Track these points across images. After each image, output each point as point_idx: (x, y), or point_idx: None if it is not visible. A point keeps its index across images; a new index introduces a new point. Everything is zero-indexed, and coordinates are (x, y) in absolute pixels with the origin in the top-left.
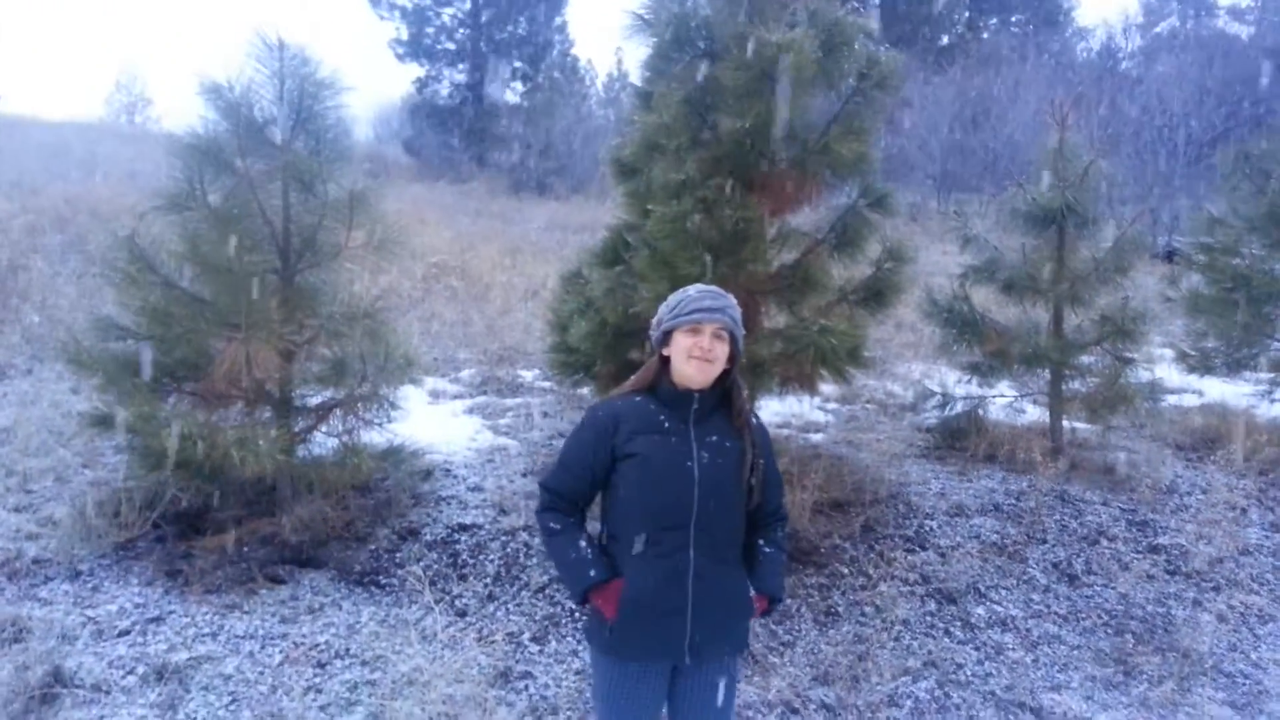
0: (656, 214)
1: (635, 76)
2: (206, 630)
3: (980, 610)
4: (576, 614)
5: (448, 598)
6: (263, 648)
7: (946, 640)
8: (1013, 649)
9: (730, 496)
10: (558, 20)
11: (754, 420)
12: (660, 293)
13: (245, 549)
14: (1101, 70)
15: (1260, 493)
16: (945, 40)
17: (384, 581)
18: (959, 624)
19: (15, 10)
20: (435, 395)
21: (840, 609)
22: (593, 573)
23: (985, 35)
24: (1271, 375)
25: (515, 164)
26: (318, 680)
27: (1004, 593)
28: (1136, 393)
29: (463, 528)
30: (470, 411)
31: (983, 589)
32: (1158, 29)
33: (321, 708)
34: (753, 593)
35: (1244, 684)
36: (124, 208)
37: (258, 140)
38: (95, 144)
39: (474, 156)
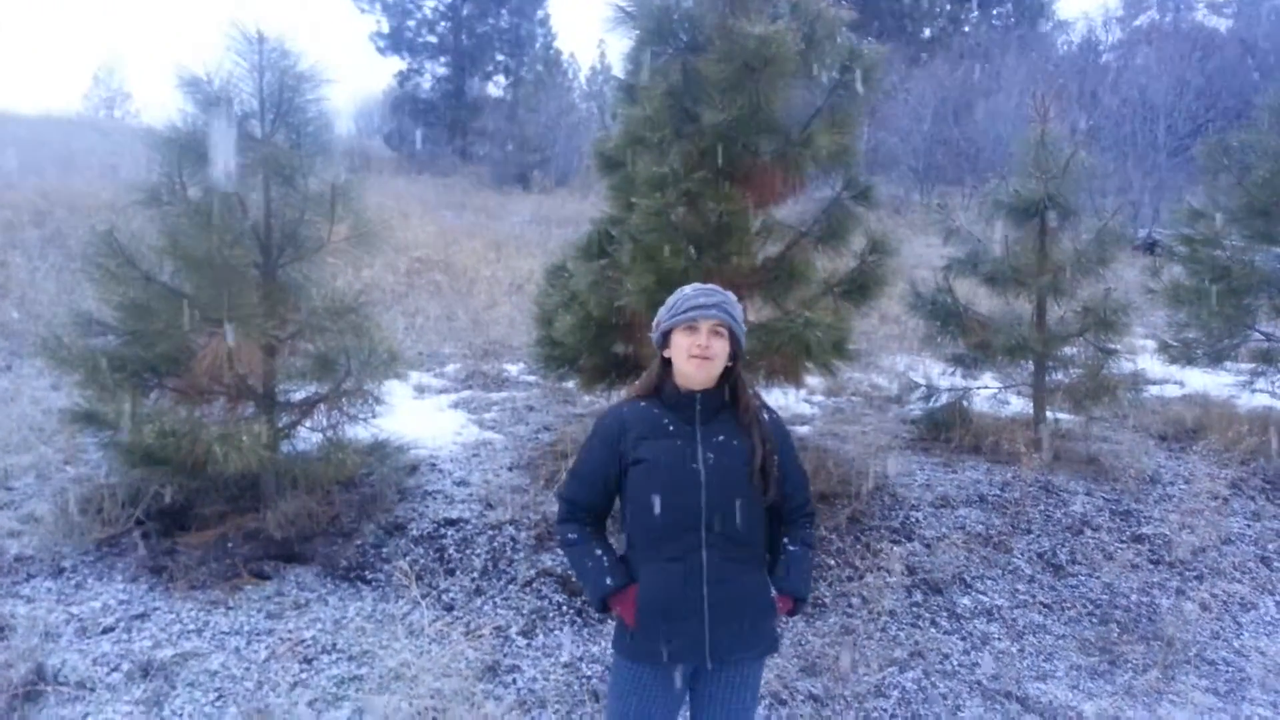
0: (640, 207)
1: (618, 69)
2: (191, 626)
3: (966, 600)
4: (564, 607)
5: (434, 592)
6: (248, 643)
7: (933, 630)
8: (998, 639)
9: (740, 495)
10: (540, 13)
11: (766, 416)
12: (644, 286)
13: (230, 545)
14: (1082, 63)
15: (1241, 482)
16: (927, 33)
17: (370, 576)
18: (945, 614)
19: None
20: (420, 390)
21: (827, 600)
22: (609, 580)
23: (967, 29)
24: (1252, 366)
25: (498, 158)
26: (304, 676)
27: (989, 583)
28: (1119, 383)
29: (449, 522)
30: (456, 406)
31: (968, 579)
32: (1137, 22)
33: (308, 703)
34: (774, 593)
35: (1227, 671)
36: (103, 202)
37: (238, 133)
38: (74, 138)
39: (457, 150)
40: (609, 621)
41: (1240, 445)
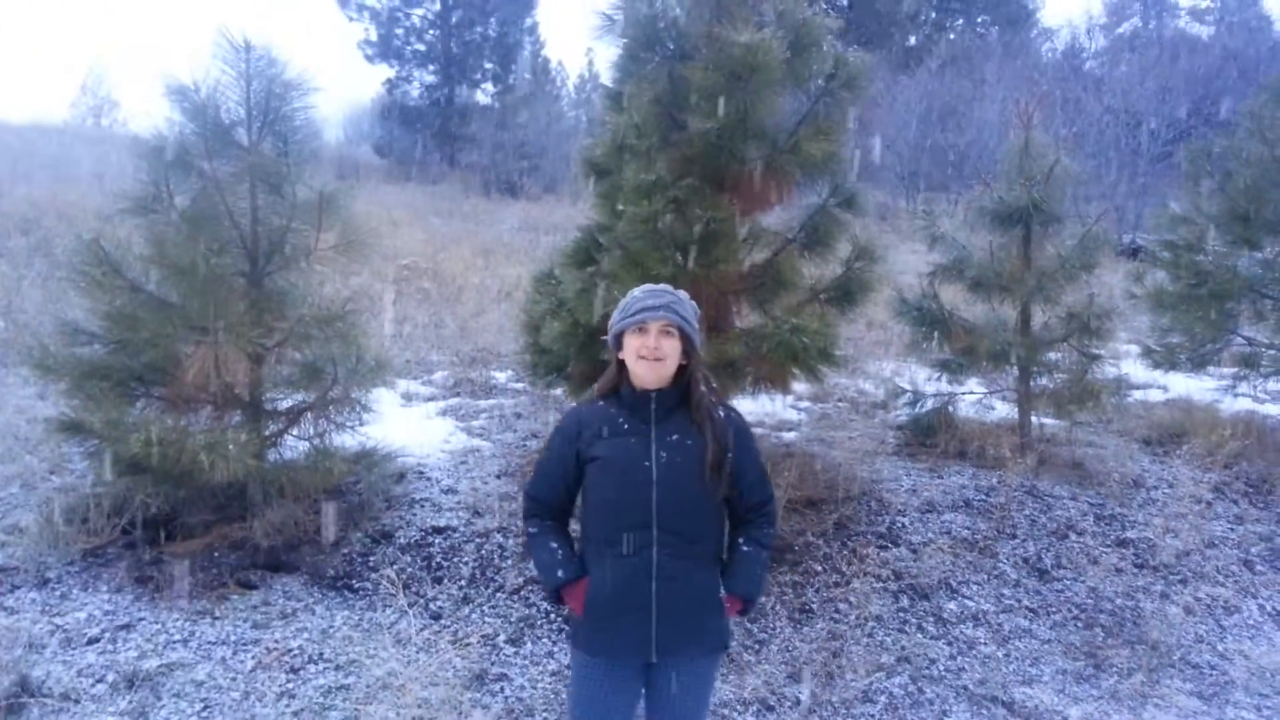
0: (628, 214)
1: (606, 77)
2: (177, 637)
3: (952, 605)
4: (553, 615)
5: (422, 600)
6: (235, 654)
7: (919, 636)
8: (984, 643)
9: (692, 494)
10: (528, 21)
11: (722, 414)
12: None
13: (216, 554)
14: (1066, 70)
15: (1225, 486)
16: (912, 41)
17: (357, 585)
18: (931, 619)
19: None
20: (408, 398)
21: (814, 606)
22: (560, 573)
23: (952, 36)
24: (1235, 370)
25: (487, 165)
26: (291, 686)
27: (975, 588)
28: (1103, 388)
29: (437, 530)
30: (443, 413)
31: (954, 584)
32: (1121, 29)
33: (295, 713)
34: (723, 592)
35: (1211, 675)
36: (90, 211)
37: (224, 142)
38: (61, 147)
39: (445, 158)
40: None
41: (1223, 449)
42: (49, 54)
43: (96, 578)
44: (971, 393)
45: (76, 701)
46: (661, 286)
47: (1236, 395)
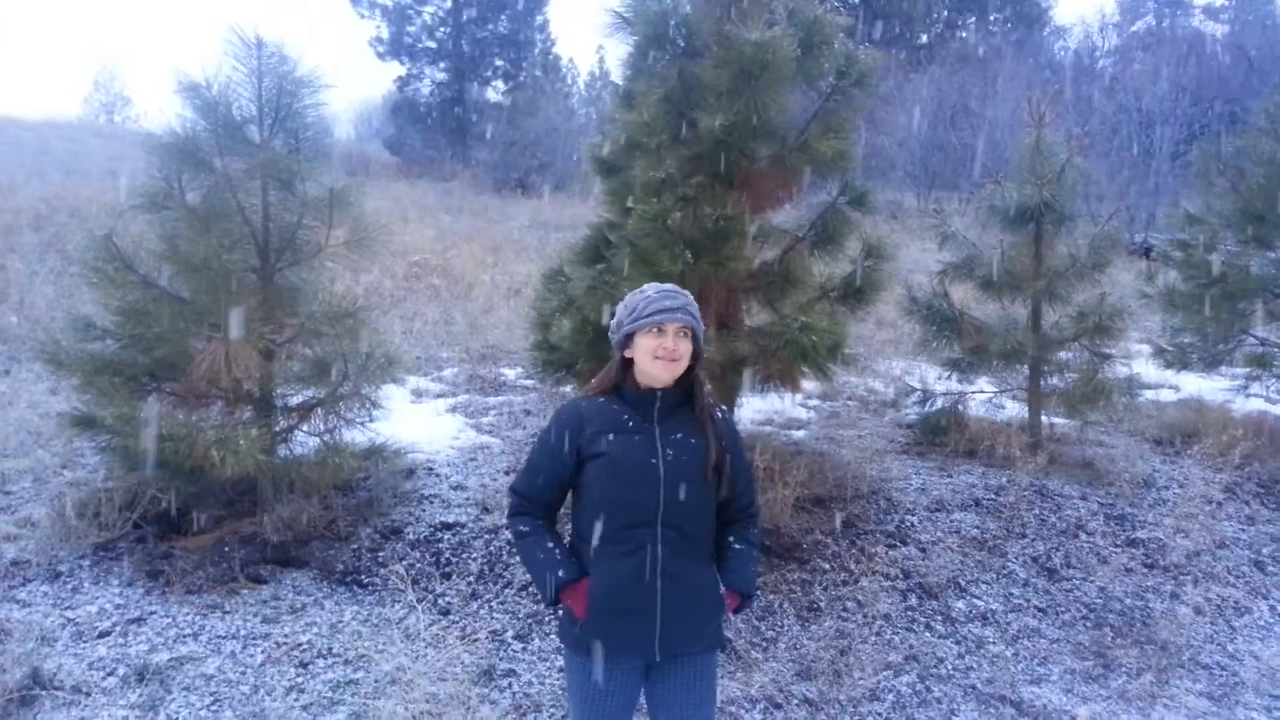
0: (637, 212)
1: (616, 75)
2: (188, 631)
3: (960, 604)
4: (559, 613)
5: (431, 596)
6: (244, 648)
7: (927, 634)
8: (993, 643)
9: (696, 493)
10: (539, 19)
11: (719, 415)
12: None
13: (226, 549)
14: (1079, 69)
15: (1236, 486)
16: (924, 39)
17: (366, 581)
18: (940, 618)
19: None
20: (418, 394)
21: (822, 604)
22: (561, 573)
23: (964, 34)
24: (1246, 370)
25: (497, 162)
26: (300, 680)
27: (984, 587)
28: (1114, 388)
29: (445, 526)
30: (453, 410)
31: (963, 583)
32: (1134, 28)
33: (304, 707)
34: (723, 589)
35: (1221, 675)
36: (102, 207)
37: (236, 139)
38: (74, 143)
39: (456, 155)
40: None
41: (1235, 450)
42: (62, 51)
43: (108, 572)
44: (982, 392)
45: (87, 694)
46: (671, 287)
47: (1248, 395)
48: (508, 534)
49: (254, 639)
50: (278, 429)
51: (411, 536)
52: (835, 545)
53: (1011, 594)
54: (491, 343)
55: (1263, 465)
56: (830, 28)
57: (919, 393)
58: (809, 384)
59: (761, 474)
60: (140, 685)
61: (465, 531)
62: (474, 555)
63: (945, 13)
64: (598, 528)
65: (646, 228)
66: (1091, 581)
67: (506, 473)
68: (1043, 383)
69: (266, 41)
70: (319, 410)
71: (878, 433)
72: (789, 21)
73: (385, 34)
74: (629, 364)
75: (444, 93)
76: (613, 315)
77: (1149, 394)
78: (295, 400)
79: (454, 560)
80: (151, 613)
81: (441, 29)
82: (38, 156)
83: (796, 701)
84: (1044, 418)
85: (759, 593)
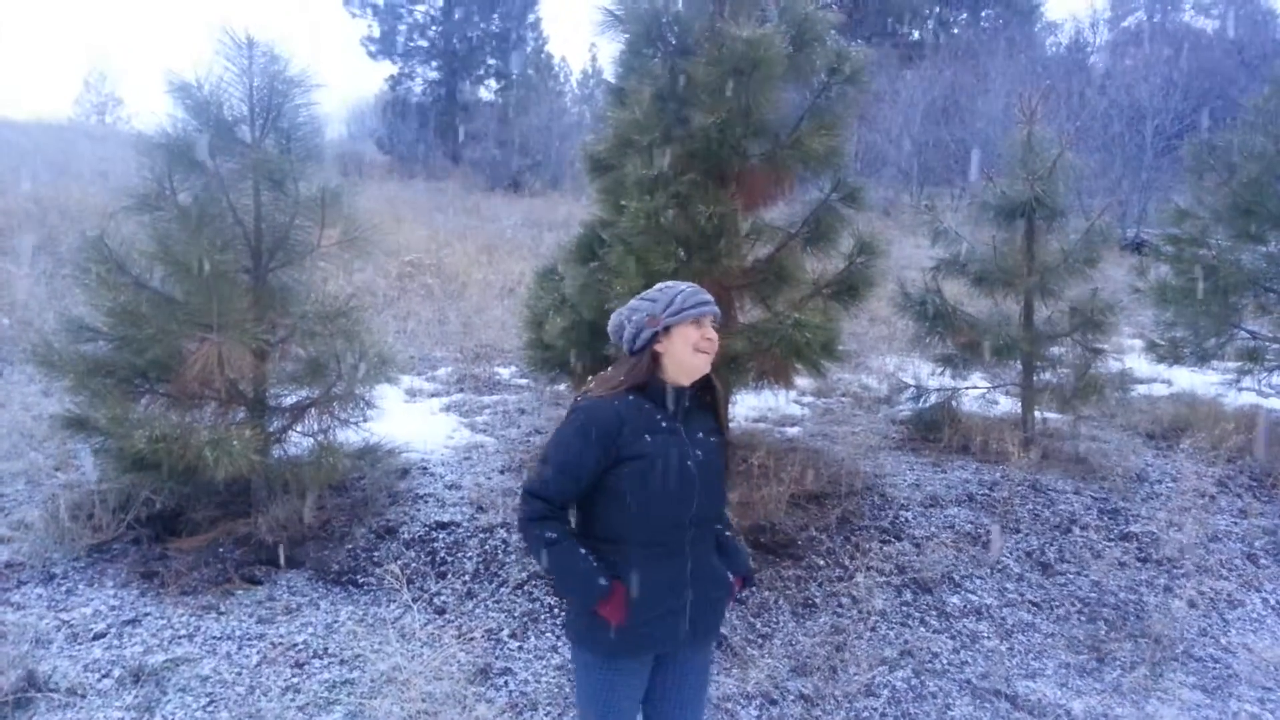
0: (630, 210)
1: (608, 73)
2: (183, 632)
3: (955, 599)
4: (556, 610)
5: (426, 595)
6: (240, 648)
7: (922, 630)
8: (987, 637)
9: (719, 489)
10: (530, 17)
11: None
12: (635, 288)
13: (221, 550)
14: (1070, 64)
15: (1228, 480)
16: (916, 35)
17: (362, 580)
18: (934, 613)
19: None
20: (412, 393)
21: (817, 600)
22: (602, 580)
23: (955, 30)
24: (1238, 364)
25: (490, 161)
26: (296, 680)
27: (978, 582)
28: (1106, 383)
29: (440, 525)
30: (447, 409)
31: (957, 578)
32: (1125, 23)
33: (300, 708)
34: (730, 576)
35: (1214, 668)
36: (94, 208)
37: (227, 139)
38: (65, 144)
39: (448, 154)
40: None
41: (1227, 443)
42: (52, 51)
43: (102, 573)
44: (975, 387)
45: (83, 696)
46: (678, 284)
47: (1240, 389)
48: (518, 538)
49: (249, 640)
50: (271, 429)
51: (406, 536)
52: (830, 541)
53: (1006, 589)
54: (485, 342)
55: (1255, 459)
56: (822, 24)
57: (912, 389)
58: (802, 380)
59: (756, 471)
60: (135, 687)
61: (460, 530)
62: (469, 554)
63: (936, 8)
64: (628, 529)
65: (639, 225)
66: (1085, 576)
67: (501, 471)
68: (1035, 378)
69: (258, 41)
70: (313, 410)
71: (871, 429)
72: (781, 18)
73: (377, 33)
74: (656, 360)
75: (436, 91)
76: (609, 313)
77: (1141, 389)
78: (289, 400)
79: (449, 559)
80: (146, 614)
81: (433, 28)
82: (28, 157)
83: (792, 697)
84: (1037, 413)
85: (754, 587)
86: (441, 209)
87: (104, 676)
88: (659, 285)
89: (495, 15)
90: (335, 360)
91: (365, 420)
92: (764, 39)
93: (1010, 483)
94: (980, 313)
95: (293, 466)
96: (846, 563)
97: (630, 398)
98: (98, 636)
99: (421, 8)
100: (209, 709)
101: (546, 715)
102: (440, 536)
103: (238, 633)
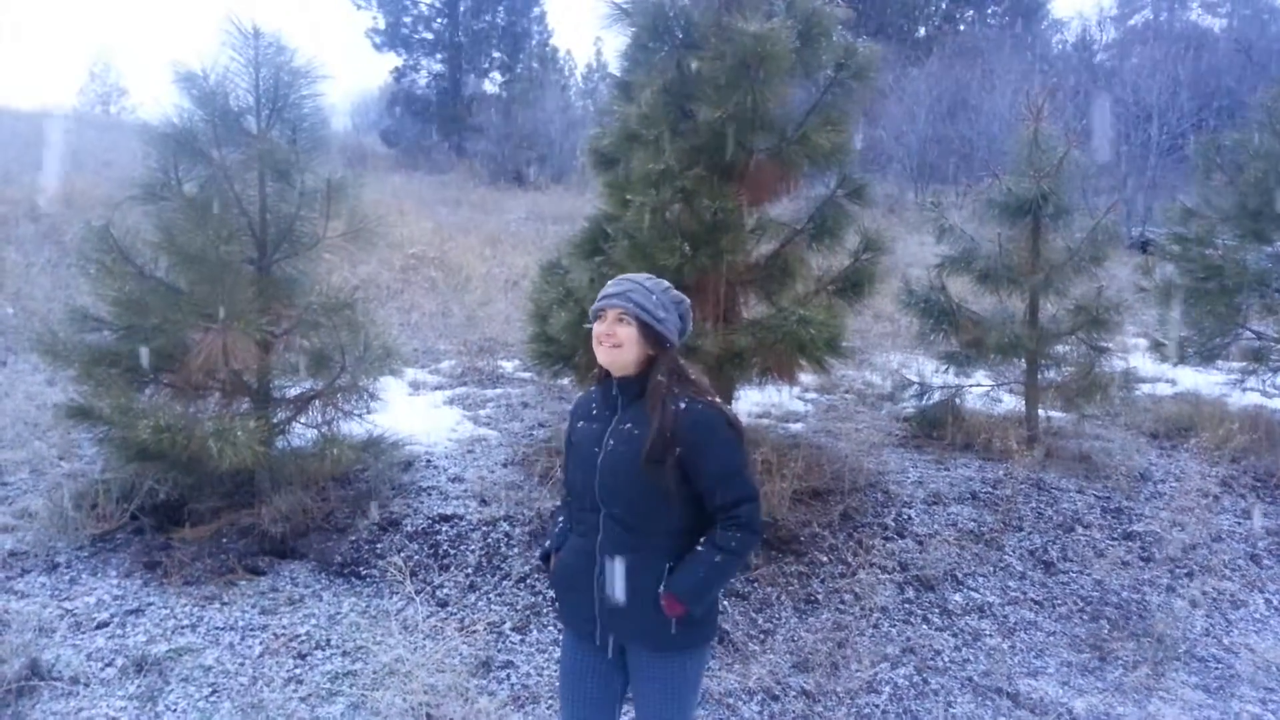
0: (636, 204)
1: (614, 66)
2: (186, 622)
3: (958, 597)
4: (559, 603)
5: (429, 588)
6: (243, 639)
7: (924, 627)
8: (990, 635)
9: (631, 482)
10: (536, 10)
11: (680, 406)
12: None
13: (224, 540)
14: (1077, 62)
15: (1232, 480)
16: (922, 32)
17: (364, 572)
18: (937, 611)
19: None
20: (415, 386)
21: (820, 597)
22: (546, 543)
23: (962, 27)
24: (1243, 364)
25: (494, 154)
26: (298, 671)
27: (981, 580)
28: (1111, 381)
29: (444, 518)
30: (450, 402)
31: (960, 576)
32: (1132, 21)
33: (303, 699)
34: (661, 589)
35: (1217, 668)
36: (99, 198)
37: (233, 129)
38: (70, 134)
39: (452, 147)
40: None
41: (1231, 443)
42: (57, 42)
43: (105, 563)
44: (979, 385)
45: (86, 685)
46: (626, 276)
47: (1245, 389)
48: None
49: (252, 630)
50: (275, 420)
51: (409, 528)
52: (833, 538)
53: (1008, 587)
54: (489, 335)
55: (1259, 459)
56: (829, 19)
57: (916, 386)
58: (806, 377)
59: (759, 467)
60: (139, 676)
61: (463, 523)
62: (472, 547)
63: (943, 5)
64: (568, 506)
65: (644, 220)
66: (1088, 574)
67: (504, 464)
68: (1040, 376)
69: (264, 31)
70: (317, 402)
71: (875, 426)
72: (788, 13)
73: (382, 24)
74: None
75: (440, 84)
76: None
77: (1145, 388)
78: (293, 392)
79: (452, 552)
80: (149, 604)
81: (438, 20)
82: (33, 148)
83: (794, 693)
84: (1041, 411)
85: (754, 584)
86: (445, 202)
87: (107, 666)
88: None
89: (500, 8)
90: (339, 352)
91: (369, 412)
92: (771, 34)
93: (1014, 481)
94: (985, 310)
95: (296, 458)
96: (849, 559)
97: (593, 389)
98: (101, 626)
99: (427, 0)
100: (211, 699)
101: (548, 709)
102: (443, 529)
103: (240, 623)
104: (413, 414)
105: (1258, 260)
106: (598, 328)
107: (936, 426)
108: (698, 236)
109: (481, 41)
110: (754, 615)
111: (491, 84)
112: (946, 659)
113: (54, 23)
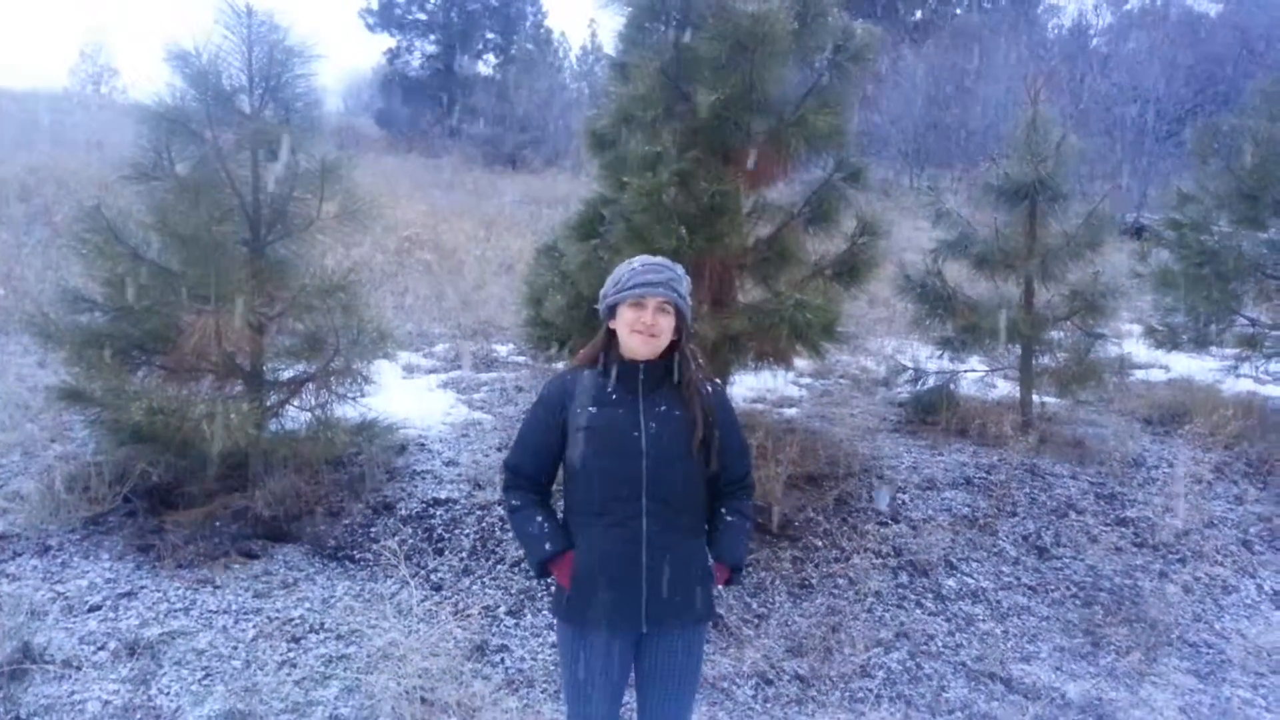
0: (632, 187)
1: (610, 48)
2: (179, 605)
3: (951, 582)
4: (552, 587)
5: (423, 572)
6: (236, 622)
7: (918, 612)
8: (983, 620)
9: (680, 465)
10: None
11: (709, 389)
12: None
13: (217, 523)
14: (1073, 47)
15: (1225, 466)
16: (918, 15)
17: (358, 556)
18: (930, 596)
19: None
20: (409, 370)
21: (813, 581)
22: (548, 546)
23: (958, 11)
24: (1237, 351)
25: (488, 137)
26: (292, 655)
27: (974, 565)
28: (1105, 367)
29: (438, 502)
30: (445, 386)
31: (954, 561)
32: (1128, 5)
33: (296, 682)
34: (712, 561)
35: (1208, 653)
36: (91, 178)
37: (226, 108)
38: (61, 114)
39: (446, 129)
40: None
41: (1224, 430)
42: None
43: (98, 546)
44: (973, 370)
45: (78, 668)
46: (659, 260)
47: (1239, 376)
48: (500, 509)
49: (245, 614)
50: (268, 403)
51: (404, 512)
52: (827, 523)
53: (1002, 572)
54: (483, 318)
55: (1251, 445)
56: (826, 1)
57: (911, 371)
58: (801, 361)
59: (755, 452)
60: (131, 659)
61: (457, 507)
62: (466, 531)
63: None
64: (583, 500)
65: (641, 203)
66: (1081, 560)
67: (499, 449)
68: (1034, 362)
69: (257, 10)
70: (310, 385)
71: (869, 411)
72: None
73: (375, 5)
74: (614, 335)
75: (434, 66)
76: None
77: (1139, 374)
78: (286, 375)
79: (446, 536)
80: (142, 587)
81: (431, 1)
82: (24, 127)
83: (788, 678)
84: (1035, 397)
85: (750, 568)
86: (439, 185)
87: (99, 649)
88: (629, 260)
89: None
90: (333, 335)
91: (363, 396)
92: (769, 14)
93: (1008, 466)
94: (980, 295)
95: (290, 441)
96: (843, 544)
97: (587, 372)
98: (93, 609)
99: None
100: (204, 682)
101: (543, 693)
102: (437, 513)
103: (234, 607)
104: (407, 398)
105: (1253, 246)
106: (635, 315)
107: (931, 412)
108: (694, 219)
109: (475, 22)
110: (748, 600)
111: (485, 66)
112: (940, 644)
113: (45, 2)
